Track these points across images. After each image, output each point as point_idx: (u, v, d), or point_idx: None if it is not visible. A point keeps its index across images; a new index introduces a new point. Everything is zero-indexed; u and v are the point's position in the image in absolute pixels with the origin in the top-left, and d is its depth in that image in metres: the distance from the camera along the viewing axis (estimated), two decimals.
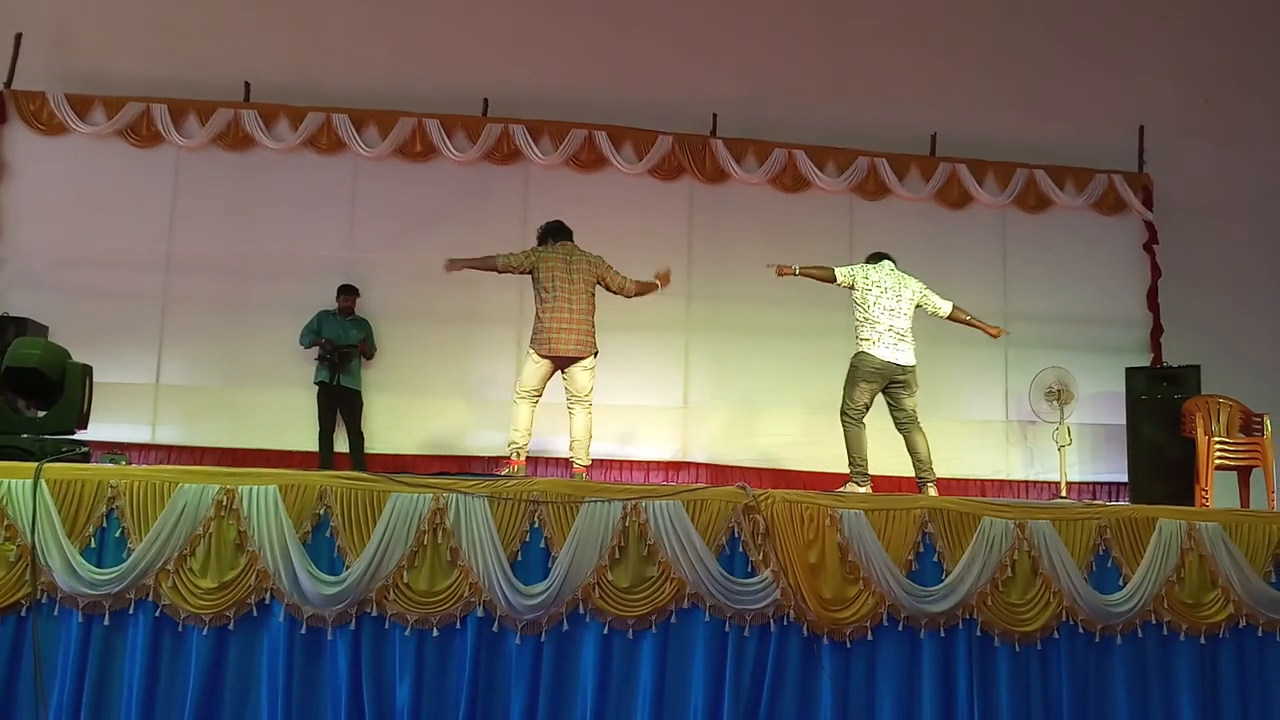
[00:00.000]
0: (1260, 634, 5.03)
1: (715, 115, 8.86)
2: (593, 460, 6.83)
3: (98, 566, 4.36)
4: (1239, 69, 9.50)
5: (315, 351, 7.84)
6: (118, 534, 4.41)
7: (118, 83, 8.33)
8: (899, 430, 6.19)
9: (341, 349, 7.78)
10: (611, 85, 8.84)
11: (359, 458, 7.77)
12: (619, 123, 8.69)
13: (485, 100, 8.68)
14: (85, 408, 5.06)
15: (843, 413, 6.09)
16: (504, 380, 8.09)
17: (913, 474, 6.16)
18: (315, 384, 7.80)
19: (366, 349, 8.01)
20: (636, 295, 6.36)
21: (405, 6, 8.88)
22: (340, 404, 7.85)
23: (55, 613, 4.36)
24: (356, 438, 7.87)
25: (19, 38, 8.26)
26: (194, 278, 8.24)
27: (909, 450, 6.16)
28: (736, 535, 4.72)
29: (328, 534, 4.52)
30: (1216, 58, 9.48)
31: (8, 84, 8.22)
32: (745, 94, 8.93)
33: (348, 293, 8.04)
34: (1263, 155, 9.36)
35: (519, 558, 4.58)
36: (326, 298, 8.03)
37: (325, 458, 7.70)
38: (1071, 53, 9.36)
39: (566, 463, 8.18)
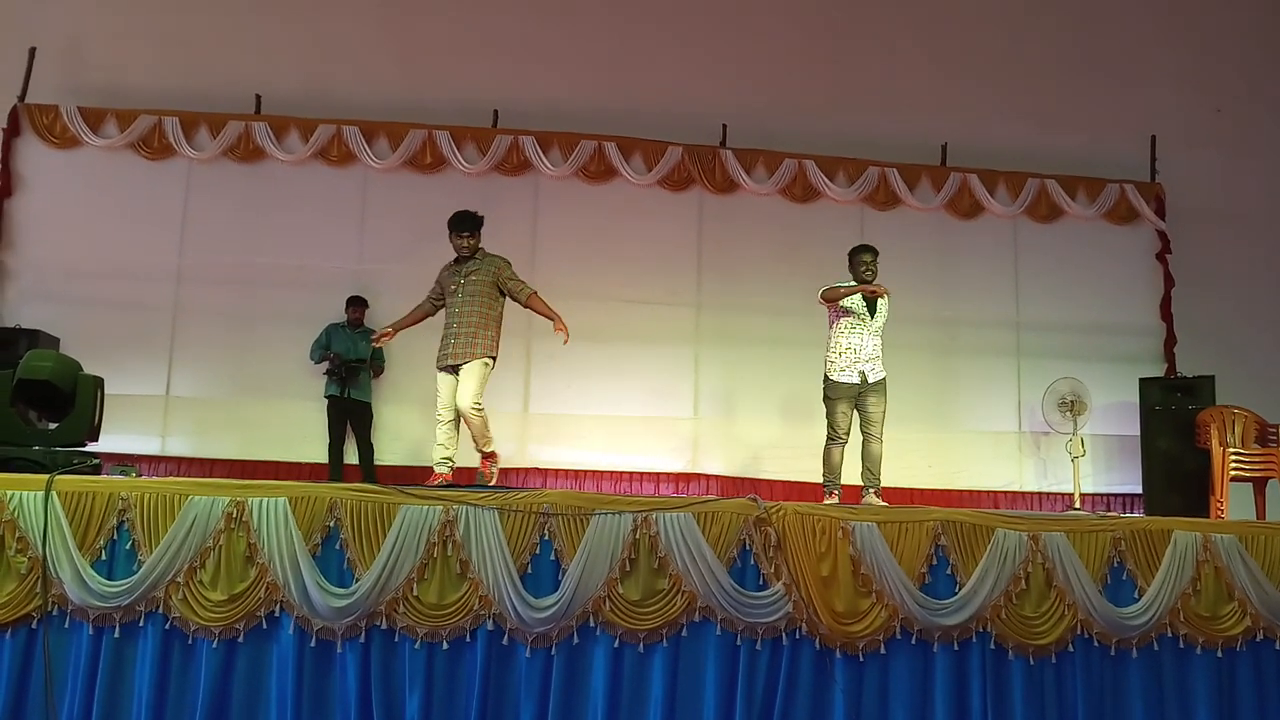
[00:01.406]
0: (1278, 647, 4.98)
1: (725, 126, 8.85)
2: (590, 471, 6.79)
3: (108, 579, 4.38)
4: (1249, 78, 9.47)
5: (325, 365, 7.84)
6: (128, 546, 4.43)
7: (129, 96, 8.38)
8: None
9: (349, 363, 7.77)
10: (621, 96, 8.84)
11: (369, 470, 7.76)
12: (628, 133, 8.68)
13: (495, 112, 8.70)
14: (96, 420, 5.08)
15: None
16: (513, 389, 8.09)
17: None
18: (325, 398, 7.80)
19: (376, 363, 7.99)
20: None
21: (415, 19, 8.91)
22: (351, 416, 7.84)
23: (66, 625, 4.38)
24: (366, 450, 7.86)
25: (33, 51, 8.31)
26: (205, 289, 8.24)
27: (830, 461, 6.26)
28: (748, 548, 4.70)
29: (338, 546, 4.52)
30: (1227, 67, 9.46)
31: (21, 97, 8.27)
32: (755, 104, 8.91)
33: (357, 304, 8.04)
34: (1274, 164, 9.31)
35: (529, 570, 4.58)
36: (337, 309, 8.04)
37: (335, 470, 7.69)
38: (1082, 62, 9.34)
39: (574, 474, 8.18)
